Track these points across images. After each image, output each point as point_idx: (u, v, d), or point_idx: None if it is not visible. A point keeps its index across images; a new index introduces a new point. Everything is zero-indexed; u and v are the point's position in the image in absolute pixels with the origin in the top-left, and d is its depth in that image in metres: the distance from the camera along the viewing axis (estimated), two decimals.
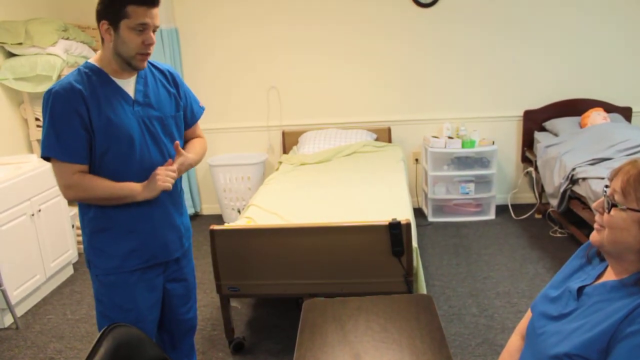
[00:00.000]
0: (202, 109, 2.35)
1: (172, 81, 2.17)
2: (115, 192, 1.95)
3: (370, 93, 5.01)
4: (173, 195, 2.15)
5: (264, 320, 3.32)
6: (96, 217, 2.02)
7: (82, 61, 4.51)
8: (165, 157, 2.07)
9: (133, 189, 1.97)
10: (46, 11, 4.91)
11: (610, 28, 4.71)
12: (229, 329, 2.96)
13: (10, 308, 3.39)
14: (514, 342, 1.63)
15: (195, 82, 5.10)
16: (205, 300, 3.61)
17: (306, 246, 2.76)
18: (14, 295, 3.48)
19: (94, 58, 2.01)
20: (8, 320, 3.47)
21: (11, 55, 4.31)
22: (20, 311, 3.59)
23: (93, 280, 2.11)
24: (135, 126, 1.99)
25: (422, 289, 2.83)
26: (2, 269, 3.38)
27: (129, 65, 1.94)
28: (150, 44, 1.91)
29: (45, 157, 1.92)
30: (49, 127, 1.88)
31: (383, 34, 4.86)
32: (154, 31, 1.92)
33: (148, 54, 1.94)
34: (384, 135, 5.01)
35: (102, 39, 1.92)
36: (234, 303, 3.08)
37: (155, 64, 2.16)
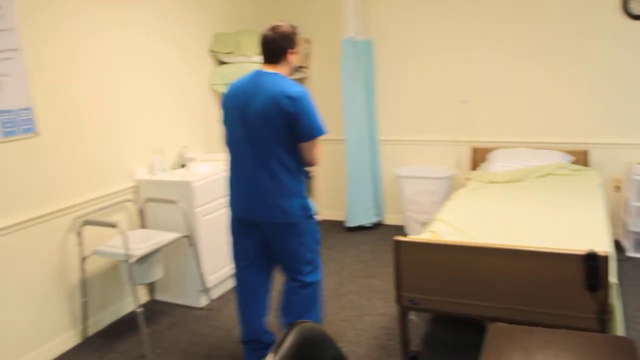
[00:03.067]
0: None
1: None
2: None
3: (568, 111, 4.67)
4: None
5: (440, 338, 3.25)
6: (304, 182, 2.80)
7: None
8: None
9: None
10: (254, 24, 5.33)
11: None
12: (404, 341, 2.94)
13: (206, 291, 3.72)
14: None
15: (387, 92, 5.18)
16: (384, 308, 3.64)
17: (492, 267, 2.66)
18: (210, 280, 3.82)
19: (286, 73, 2.74)
20: (204, 301, 3.81)
21: (222, 63, 4.74)
22: (214, 294, 3.92)
23: (309, 226, 2.80)
24: None
25: (619, 330, 2.57)
26: (202, 255, 3.72)
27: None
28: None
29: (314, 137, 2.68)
30: (316, 114, 2.66)
31: (585, 47, 4.49)
32: None
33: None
34: (581, 158, 4.64)
35: (287, 61, 2.74)
36: (412, 316, 3.06)
37: None
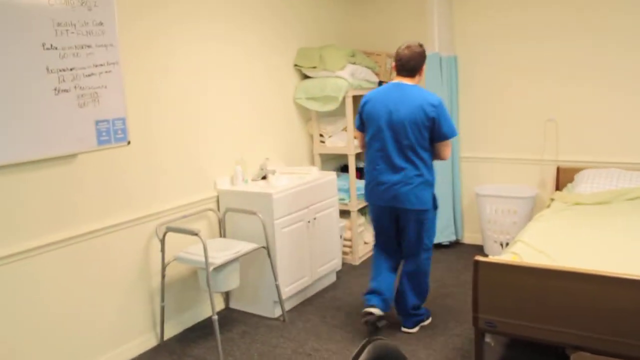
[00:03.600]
0: None
1: None
2: None
3: None
4: None
5: None
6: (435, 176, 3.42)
7: (364, 84, 4.84)
8: None
9: None
10: (338, 38, 5.39)
11: None
12: None
13: (280, 302, 3.77)
14: None
15: (470, 109, 5.09)
16: (458, 329, 3.55)
17: (575, 293, 2.54)
18: (285, 292, 3.86)
19: (417, 83, 3.34)
20: (277, 312, 3.86)
21: (306, 77, 4.82)
22: (287, 306, 3.96)
23: (434, 215, 3.44)
24: None
25: None
26: (278, 266, 3.77)
27: None
28: None
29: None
30: (451, 120, 3.26)
31: None
32: None
33: None
34: None
35: (420, 74, 3.37)
36: (488, 338, 2.97)
37: None
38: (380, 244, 3.59)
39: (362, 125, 3.49)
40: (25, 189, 2.79)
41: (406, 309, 3.51)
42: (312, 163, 5.03)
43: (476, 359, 2.87)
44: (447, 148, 3.34)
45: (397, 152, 3.27)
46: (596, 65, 4.53)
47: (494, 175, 5.09)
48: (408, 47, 3.31)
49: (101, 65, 2.94)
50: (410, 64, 3.31)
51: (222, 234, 3.96)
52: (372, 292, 3.50)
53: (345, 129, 4.93)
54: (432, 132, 3.26)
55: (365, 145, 3.47)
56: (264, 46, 4.39)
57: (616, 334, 2.49)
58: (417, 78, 3.37)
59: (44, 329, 2.91)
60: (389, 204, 3.36)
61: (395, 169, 3.29)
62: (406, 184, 3.27)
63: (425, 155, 3.29)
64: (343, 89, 4.53)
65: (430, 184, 3.35)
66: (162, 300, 3.51)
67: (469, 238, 5.32)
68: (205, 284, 3.37)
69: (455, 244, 5.27)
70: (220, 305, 4.06)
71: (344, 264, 4.81)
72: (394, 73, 3.43)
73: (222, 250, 3.42)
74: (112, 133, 3.05)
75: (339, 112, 5.10)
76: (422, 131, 3.23)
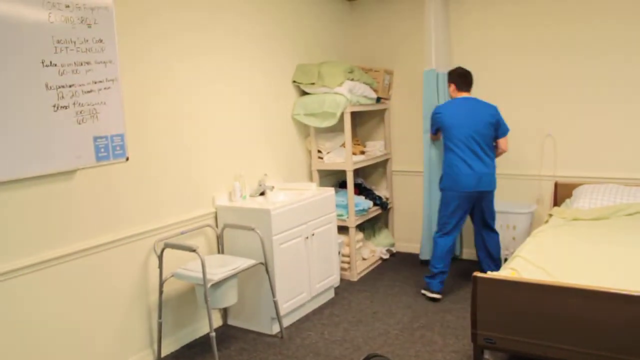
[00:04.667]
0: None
1: None
2: None
3: None
4: None
5: None
6: None
7: (362, 100, 4.86)
8: None
9: None
10: (336, 55, 5.42)
11: None
12: None
13: (278, 318, 3.75)
14: None
15: None
16: (457, 346, 3.53)
17: (574, 309, 2.54)
18: (283, 308, 3.85)
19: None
20: (276, 328, 3.84)
21: (304, 93, 4.84)
22: (285, 322, 3.94)
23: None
24: None
25: None
26: (277, 282, 3.76)
27: None
28: None
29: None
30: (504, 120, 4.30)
31: None
32: None
33: None
34: None
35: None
36: (487, 355, 2.96)
37: None
38: (445, 234, 4.29)
39: (437, 131, 4.46)
40: (23, 206, 2.79)
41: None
42: (311, 179, 5.03)
43: None
44: (505, 142, 4.31)
45: (478, 148, 4.16)
46: (594, 81, 4.56)
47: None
48: (462, 68, 4.30)
49: (100, 81, 2.95)
50: (468, 80, 4.30)
51: (220, 250, 3.95)
52: (437, 274, 4.32)
53: (343, 145, 4.94)
54: (497, 131, 4.22)
55: (446, 146, 4.29)
56: (263, 62, 4.41)
57: (615, 351, 2.48)
58: (471, 91, 4.36)
59: (41, 346, 2.89)
60: (475, 189, 4.16)
61: (479, 160, 4.16)
62: (487, 171, 4.17)
63: (491, 149, 4.24)
64: (341, 105, 4.55)
65: (495, 170, 4.27)
66: (160, 316, 3.49)
67: (467, 254, 5.31)
68: (203, 301, 3.35)
69: (454, 260, 5.26)
70: (218, 321, 4.04)
71: (342, 280, 4.80)
72: (450, 87, 4.35)
73: (220, 267, 3.41)
74: (111, 149, 3.06)
75: (338, 128, 5.11)
76: (491, 131, 4.19)
